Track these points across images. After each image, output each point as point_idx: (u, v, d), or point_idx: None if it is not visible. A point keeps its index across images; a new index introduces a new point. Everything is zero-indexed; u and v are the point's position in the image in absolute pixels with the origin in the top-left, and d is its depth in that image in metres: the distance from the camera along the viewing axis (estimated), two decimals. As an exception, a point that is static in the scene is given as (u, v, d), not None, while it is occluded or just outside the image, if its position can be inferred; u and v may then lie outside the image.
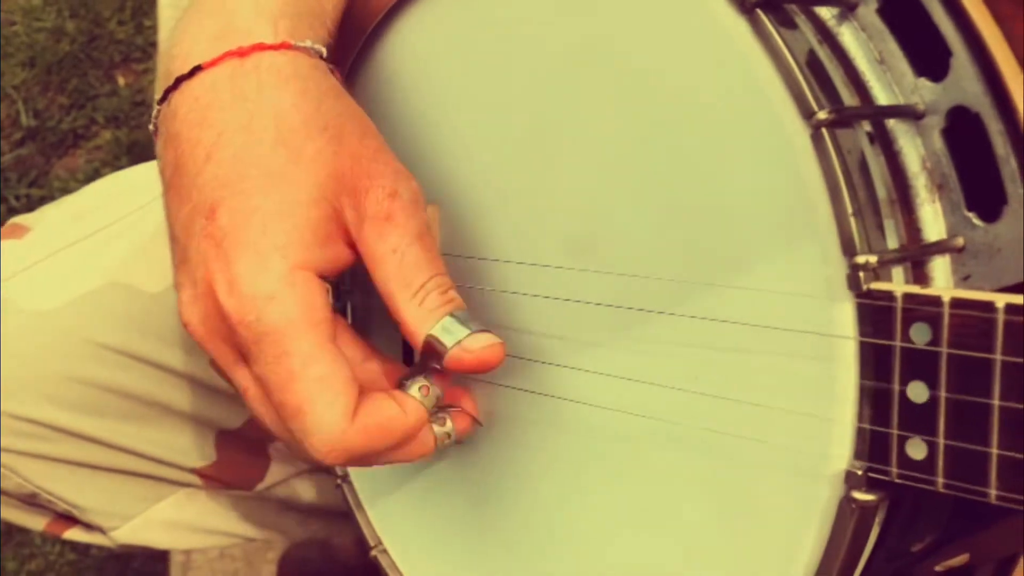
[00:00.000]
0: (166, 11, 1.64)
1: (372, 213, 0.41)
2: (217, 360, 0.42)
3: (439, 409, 0.45)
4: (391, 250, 0.41)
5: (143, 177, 0.76)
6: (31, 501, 0.70)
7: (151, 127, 0.46)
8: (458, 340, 0.41)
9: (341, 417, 0.40)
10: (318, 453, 0.40)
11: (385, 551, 0.55)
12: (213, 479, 0.72)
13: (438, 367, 0.42)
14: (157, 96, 0.45)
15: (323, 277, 0.42)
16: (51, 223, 0.71)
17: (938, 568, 0.38)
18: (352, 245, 0.42)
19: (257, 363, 0.40)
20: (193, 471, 0.71)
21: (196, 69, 0.43)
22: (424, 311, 0.41)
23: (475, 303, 0.47)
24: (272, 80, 0.42)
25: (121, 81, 1.70)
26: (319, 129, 0.41)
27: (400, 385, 0.44)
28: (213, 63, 0.43)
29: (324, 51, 0.45)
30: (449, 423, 0.45)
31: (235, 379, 0.42)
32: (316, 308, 0.40)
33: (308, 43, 0.44)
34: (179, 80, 0.43)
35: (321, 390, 0.39)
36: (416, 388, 0.43)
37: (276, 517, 0.76)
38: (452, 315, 0.41)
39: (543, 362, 0.45)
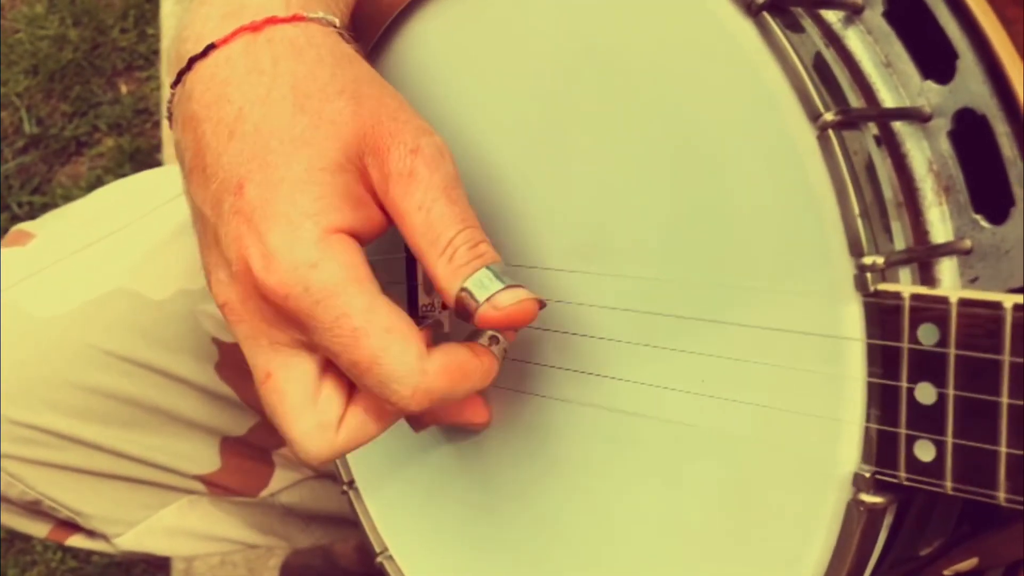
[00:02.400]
0: (169, 20, 1.65)
1: (396, 171, 0.40)
2: (247, 341, 0.42)
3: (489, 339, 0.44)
4: (416, 207, 0.40)
5: (148, 184, 0.76)
6: (34, 508, 0.70)
7: (166, 112, 0.46)
8: (489, 296, 0.39)
9: (418, 359, 0.40)
10: (402, 398, 0.40)
11: (391, 557, 0.55)
12: (217, 486, 0.71)
13: (467, 320, 0.41)
14: (170, 80, 0.45)
15: (356, 234, 0.41)
16: (56, 230, 0.71)
17: (946, 572, 0.38)
18: (377, 211, 0.42)
19: (316, 332, 0.40)
20: (197, 478, 0.71)
21: (210, 48, 0.43)
22: (453, 267, 0.40)
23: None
24: (286, 51, 0.42)
25: (124, 89, 1.71)
26: (336, 92, 0.41)
27: (472, 337, 0.43)
28: (226, 40, 0.42)
29: (337, 21, 0.45)
30: (502, 340, 0.44)
31: (257, 363, 0.42)
32: (358, 266, 0.40)
33: (320, 14, 0.44)
34: (192, 61, 0.43)
35: (392, 339, 0.39)
36: (486, 337, 0.43)
37: (279, 524, 0.76)
38: (488, 268, 0.40)
39: (550, 366, 0.45)
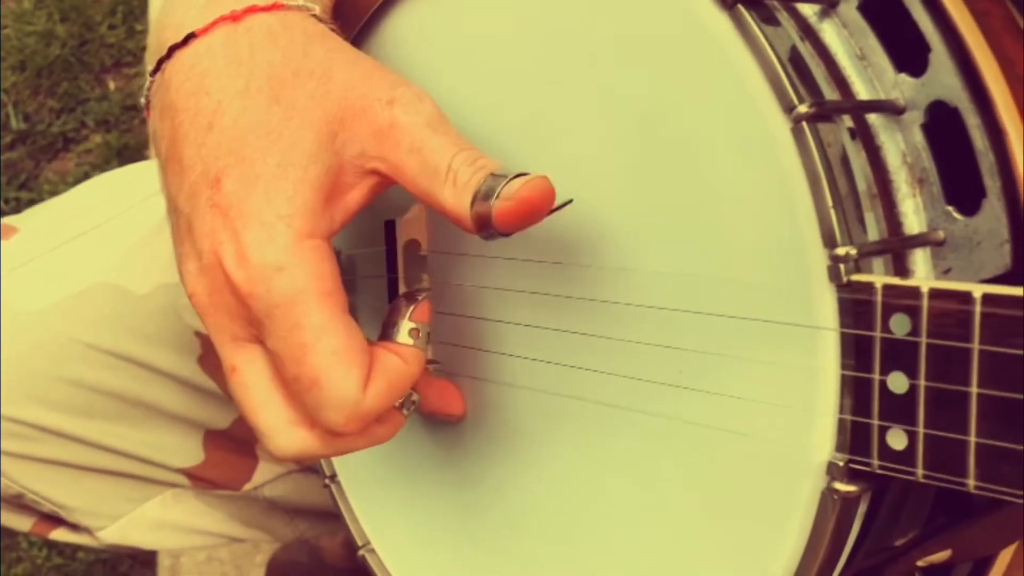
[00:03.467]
0: (156, 15, 1.64)
1: (377, 128, 0.40)
2: (214, 334, 0.42)
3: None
4: (407, 152, 0.40)
5: (132, 178, 0.76)
6: (17, 502, 0.70)
7: (143, 100, 0.45)
8: (496, 194, 0.38)
9: (356, 388, 0.40)
10: (336, 424, 0.40)
11: (373, 550, 0.55)
12: (201, 479, 0.71)
13: (492, 232, 0.39)
14: (149, 68, 0.44)
15: (333, 233, 0.41)
16: (39, 224, 0.71)
17: (920, 563, 0.38)
18: (360, 188, 0.42)
19: (270, 336, 0.40)
20: (180, 471, 0.71)
21: (190, 37, 0.42)
22: (459, 188, 0.39)
23: (463, 299, 0.48)
24: (263, 40, 0.42)
25: (112, 85, 1.70)
26: (307, 74, 0.41)
27: (387, 335, 0.43)
28: (206, 29, 0.42)
29: (317, 9, 0.45)
30: (413, 394, 0.44)
31: (224, 356, 0.42)
32: (326, 278, 0.40)
33: (300, 1, 0.44)
34: (172, 49, 0.43)
35: (336, 362, 0.39)
36: (406, 333, 0.43)
37: (263, 517, 0.76)
38: (493, 174, 0.39)
39: (529, 358, 0.45)
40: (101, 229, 0.69)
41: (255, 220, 0.39)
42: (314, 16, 0.44)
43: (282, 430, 0.41)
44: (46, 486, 0.69)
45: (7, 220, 0.72)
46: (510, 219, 0.38)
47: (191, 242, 0.41)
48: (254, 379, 0.41)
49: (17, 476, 0.68)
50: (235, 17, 0.42)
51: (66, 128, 1.67)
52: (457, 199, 0.39)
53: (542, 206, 0.39)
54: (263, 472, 0.73)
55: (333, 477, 0.56)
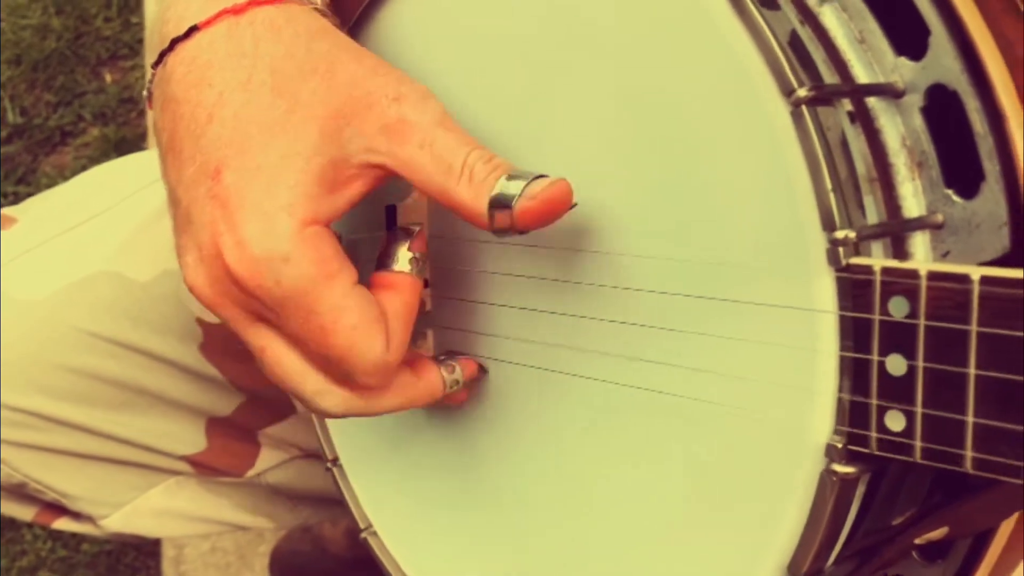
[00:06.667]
0: (153, 8, 1.64)
1: (383, 124, 0.40)
2: (228, 323, 0.42)
3: (448, 356, 0.47)
4: (418, 147, 0.40)
5: (131, 166, 0.76)
6: (19, 491, 0.70)
7: (145, 92, 0.46)
8: (521, 191, 0.39)
9: (382, 350, 0.41)
10: (368, 386, 0.42)
11: (375, 533, 0.55)
12: (203, 466, 0.72)
13: (509, 230, 0.40)
14: (150, 60, 0.45)
15: (332, 220, 0.42)
16: (39, 214, 0.71)
17: (917, 541, 0.39)
18: (362, 180, 0.42)
19: (287, 324, 0.41)
20: (183, 459, 0.71)
21: (192, 29, 0.43)
22: (475, 185, 0.40)
23: (463, 282, 0.48)
24: (267, 33, 0.42)
25: (108, 78, 1.70)
26: (311, 71, 0.41)
27: (385, 264, 0.44)
28: (209, 22, 0.42)
29: (319, 1, 0.45)
30: (458, 370, 0.46)
31: (248, 340, 0.43)
32: (331, 259, 0.40)
33: None
34: (174, 42, 0.43)
35: (358, 336, 0.40)
36: (406, 261, 0.44)
37: (267, 504, 0.76)
38: (505, 176, 0.40)
39: (529, 339, 0.46)
40: (101, 217, 0.69)
41: (256, 211, 0.40)
42: (316, 10, 0.44)
43: (327, 391, 0.43)
44: (48, 475, 0.69)
45: (6, 210, 0.72)
46: (531, 218, 0.39)
47: (190, 234, 0.42)
48: (286, 353, 0.42)
49: (19, 465, 0.68)
50: (237, 10, 0.42)
51: (63, 122, 1.67)
52: (474, 196, 0.40)
53: (562, 207, 0.40)
54: (266, 459, 0.73)
55: (335, 461, 0.56)
